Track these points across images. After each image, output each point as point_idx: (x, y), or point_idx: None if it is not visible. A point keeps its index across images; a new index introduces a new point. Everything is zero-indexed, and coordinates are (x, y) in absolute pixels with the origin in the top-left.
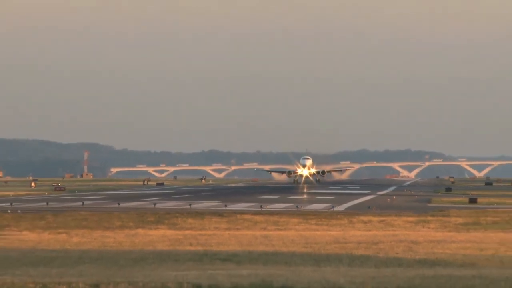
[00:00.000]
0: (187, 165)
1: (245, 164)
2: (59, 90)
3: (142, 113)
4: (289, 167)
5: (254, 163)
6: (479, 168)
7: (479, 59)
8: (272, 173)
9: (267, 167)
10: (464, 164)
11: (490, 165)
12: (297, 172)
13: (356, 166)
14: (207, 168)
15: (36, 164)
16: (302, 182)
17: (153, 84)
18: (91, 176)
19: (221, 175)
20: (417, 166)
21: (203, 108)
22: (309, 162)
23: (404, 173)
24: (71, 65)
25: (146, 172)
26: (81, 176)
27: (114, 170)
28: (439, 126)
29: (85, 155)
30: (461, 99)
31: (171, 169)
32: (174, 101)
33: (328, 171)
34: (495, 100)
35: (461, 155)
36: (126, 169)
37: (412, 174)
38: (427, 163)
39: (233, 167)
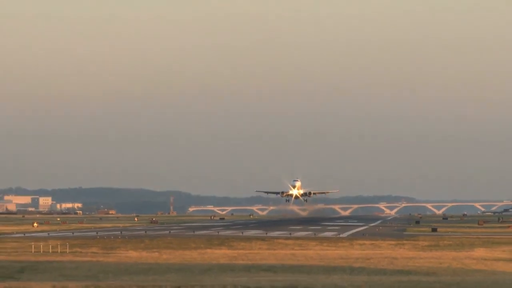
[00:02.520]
0: (240, 205)
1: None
2: (153, 154)
3: (210, 169)
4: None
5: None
6: (438, 207)
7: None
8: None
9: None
10: (428, 205)
11: (446, 205)
12: (288, 193)
13: (337, 190)
14: (254, 208)
15: (138, 205)
16: (292, 201)
17: (215, 148)
18: (175, 213)
19: (264, 213)
20: (396, 206)
21: (252, 165)
22: (298, 183)
23: (387, 211)
24: (160, 131)
25: (212, 211)
26: (169, 213)
27: (191, 209)
28: (411, 179)
29: (171, 199)
30: (427, 158)
31: (229, 208)
32: (231, 159)
33: (314, 193)
34: (451, 157)
35: (426, 199)
36: (199, 208)
37: (393, 212)
38: (403, 204)
39: (271, 207)
